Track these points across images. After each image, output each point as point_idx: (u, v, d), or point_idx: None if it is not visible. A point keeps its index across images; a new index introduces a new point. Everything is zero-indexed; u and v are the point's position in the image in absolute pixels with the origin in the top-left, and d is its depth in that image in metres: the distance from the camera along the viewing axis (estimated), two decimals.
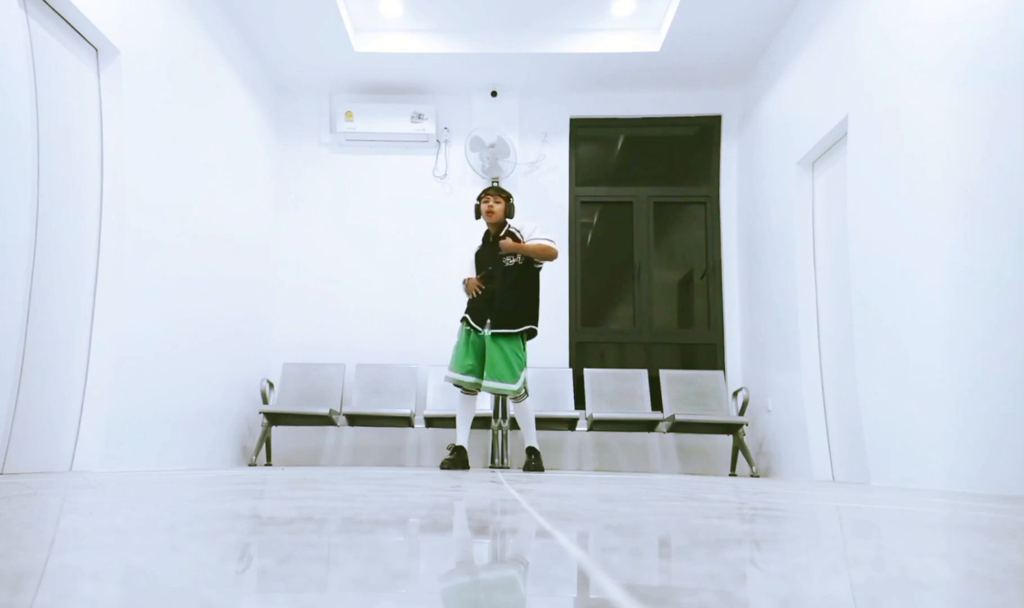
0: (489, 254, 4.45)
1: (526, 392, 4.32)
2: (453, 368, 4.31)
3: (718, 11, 4.91)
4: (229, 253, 4.97)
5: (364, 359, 5.66)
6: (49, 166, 3.11)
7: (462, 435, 4.34)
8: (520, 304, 4.33)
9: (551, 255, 4.35)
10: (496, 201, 4.43)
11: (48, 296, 3.12)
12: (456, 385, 4.32)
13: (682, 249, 6.18)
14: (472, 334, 4.29)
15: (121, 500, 1.67)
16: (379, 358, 5.68)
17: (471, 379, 4.26)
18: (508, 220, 4.46)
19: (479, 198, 4.52)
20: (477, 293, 4.35)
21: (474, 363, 4.28)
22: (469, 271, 4.53)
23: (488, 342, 4.24)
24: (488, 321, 4.27)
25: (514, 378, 4.21)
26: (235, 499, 1.69)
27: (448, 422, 5.09)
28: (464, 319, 4.37)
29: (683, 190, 6.13)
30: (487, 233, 4.52)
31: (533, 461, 4.32)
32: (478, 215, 4.52)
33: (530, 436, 4.39)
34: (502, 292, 4.32)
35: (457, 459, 4.23)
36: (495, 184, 4.59)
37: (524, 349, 4.34)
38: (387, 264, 5.90)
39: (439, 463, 4.37)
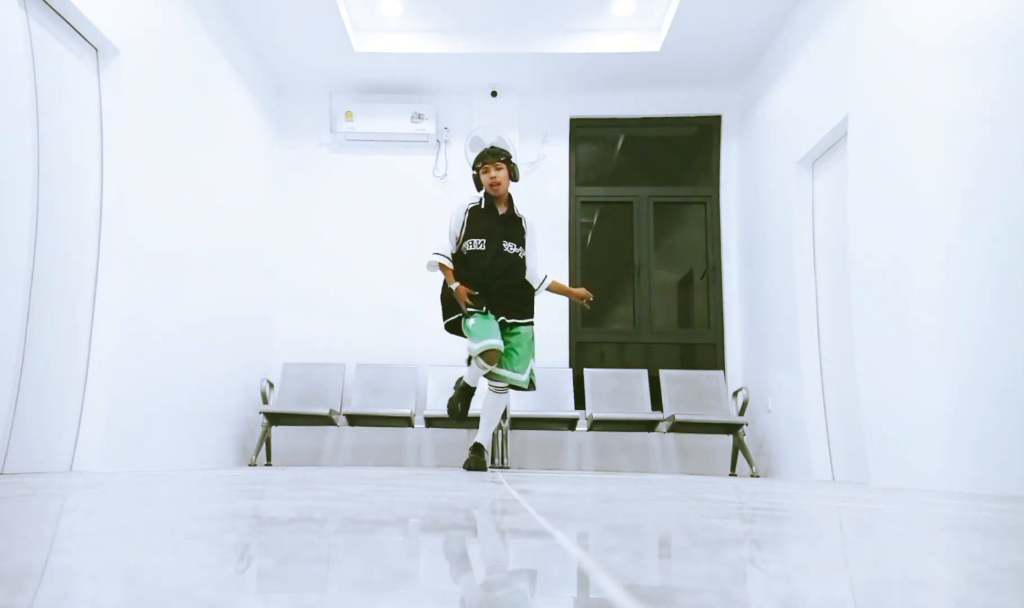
0: (488, 226, 3.91)
1: (533, 385, 3.97)
2: (484, 336, 3.72)
3: (718, 11, 4.91)
4: (229, 253, 4.97)
5: (364, 359, 5.66)
6: (49, 166, 3.11)
7: (486, 434, 3.95)
8: (527, 290, 3.99)
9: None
10: (497, 168, 3.88)
11: (48, 296, 3.12)
12: (485, 360, 3.74)
13: (682, 249, 6.18)
14: (489, 313, 3.85)
15: (121, 500, 1.67)
16: (379, 358, 5.68)
17: (501, 344, 3.78)
18: (512, 190, 4.02)
19: (476, 167, 3.95)
20: (467, 303, 3.82)
21: (499, 333, 3.82)
22: (455, 227, 3.93)
23: (509, 332, 3.87)
24: (498, 311, 3.84)
25: (524, 369, 3.89)
26: (235, 499, 1.69)
27: (450, 422, 5.09)
28: (470, 309, 3.84)
29: (683, 190, 6.13)
30: (487, 196, 3.97)
31: (481, 459, 3.88)
32: (479, 187, 3.98)
33: (489, 431, 4.00)
34: (504, 276, 3.86)
35: (482, 459, 3.86)
36: (491, 147, 4.02)
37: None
38: (387, 264, 5.90)
39: (464, 463, 3.95)
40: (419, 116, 5.88)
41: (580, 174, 6.14)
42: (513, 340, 3.89)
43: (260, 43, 5.37)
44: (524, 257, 3.97)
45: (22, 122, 2.95)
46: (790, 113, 4.90)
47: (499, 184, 3.87)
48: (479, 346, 3.71)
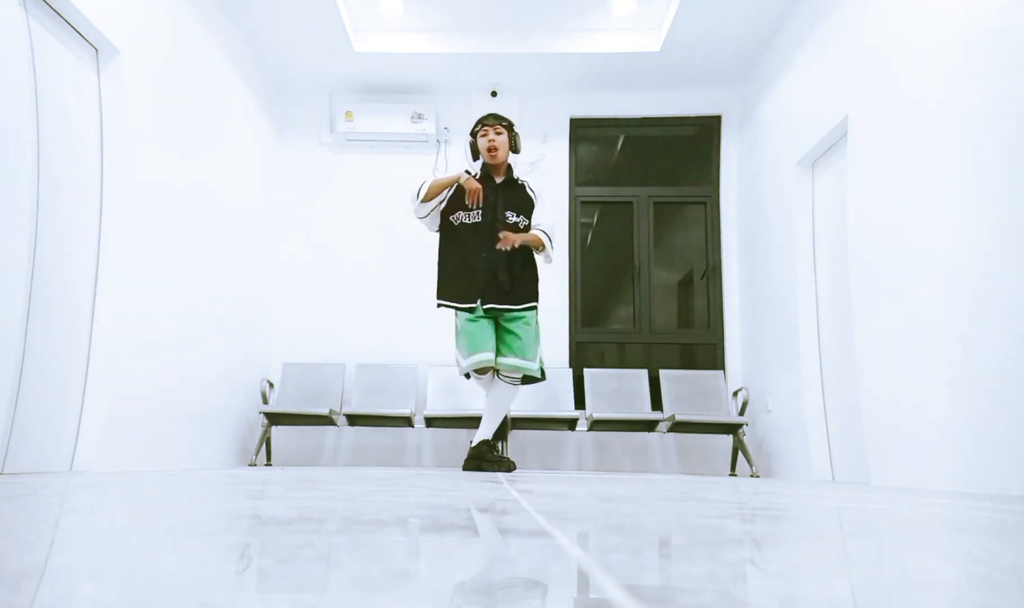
0: (484, 195, 3.51)
1: (544, 375, 3.63)
2: (475, 350, 3.44)
3: (718, 11, 4.91)
4: (229, 253, 4.97)
5: (364, 359, 5.66)
6: (49, 166, 3.11)
7: (490, 429, 3.61)
8: (529, 270, 3.58)
9: (548, 256, 3.62)
10: (498, 131, 3.54)
11: (48, 296, 3.12)
12: (479, 373, 3.52)
13: (682, 249, 6.18)
14: (478, 313, 3.53)
15: (121, 500, 1.67)
16: (379, 358, 5.68)
17: (492, 356, 3.48)
18: (513, 162, 3.66)
19: (474, 132, 3.62)
20: (476, 204, 3.43)
21: (493, 341, 3.53)
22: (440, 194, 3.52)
23: (503, 319, 3.54)
24: (494, 298, 3.48)
25: (534, 356, 3.51)
26: (235, 499, 1.69)
27: (451, 422, 5.09)
28: (462, 307, 3.52)
29: (683, 190, 6.13)
30: (484, 167, 3.63)
31: (495, 456, 3.53)
32: (476, 155, 3.62)
33: (493, 426, 3.63)
34: (506, 259, 3.49)
35: (502, 459, 3.52)
36: (493, 112, 3.68)
37: (538, 323, 3.64)
38: (387, 264, 5.90)
39: (463, 463, 3.61)
40: (419, 116, 5.88)
41: (580, 174, 6.14)
42: (513, 325, 3.53)
43: (260, 43, 5.37)
44: (523, 227, 3.59)
45: (22, 122, 2.95)
46: (790, 113, 4.90)
47: (497, 150, 3.53)
48: (468, 363, 3.44)
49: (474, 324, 3.51)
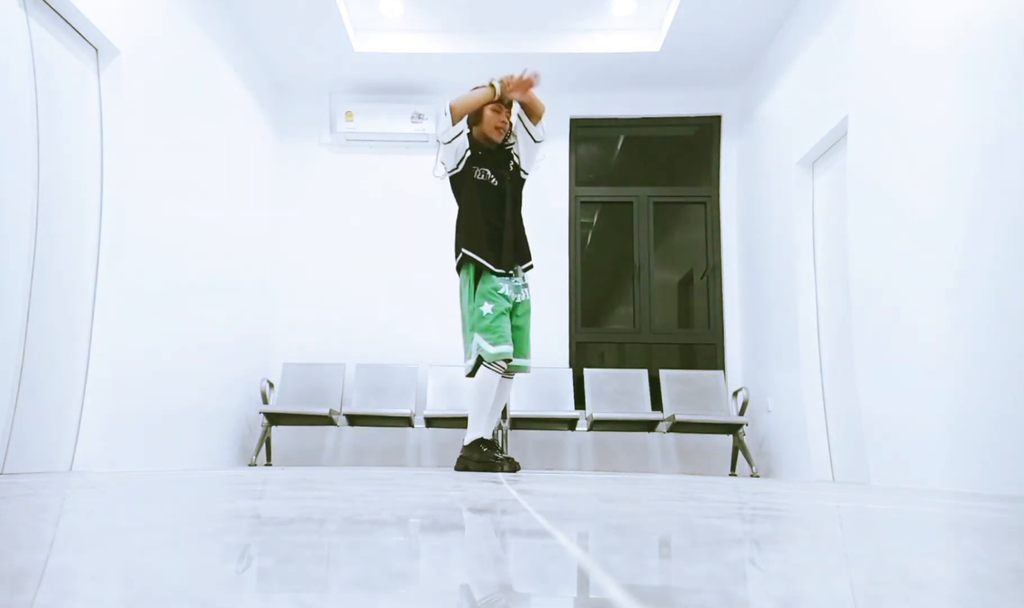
0: (492, 161, 3.56)
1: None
2: (503, 338, 3.35)
3: (718, 11, 4.91)
4: (229, 253, 4.97)
5: (364, 359, 5.66)
6: (49, 166, 3.11)
7: (491, 424, 3.55)
8: (523, 230, 3.60)
9: (541, 112, 3.63)
10: (508, 116, 3.59)
11: (48, 296, 3.12)
12: (504, 363, 3.39)
13: (682, 249, 6.19)
14: (504, 293, 3.47)
15: (121, 500, 1.67)
16: (379, 358, 5.68)
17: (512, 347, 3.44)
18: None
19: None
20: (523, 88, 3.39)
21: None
22: (459, 149, 3.50)
23: (520, 304, 3.54)
24: (519, 258, 3.49)
25: (530, 347, 3.60)
26: (235, 499, 1.69)
27: (451, 422, 5.08)
28: (483, 265, 3.41)
29: (683, 190, 6.13)
30: (475, 142, 3.66)
31: (490, 454, 3.42)
32: (472, 124, 3.69)
33: (494, 422, 3.59)
34: (518, 218, 3.54)
35: (504, 459, 3.43)
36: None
37: None
38: (387, 264, 5.90)
39: (457, 462, 3.55)
40: (419, 116, 5.88)
41: (580, 174, 6.14)
42: (523, 320, 3.58)
43: (260, 43, 5.37)
44: (521, 164, 3.66)
45: (22, 122, 2.95)
46: (790, 113, 4.90)
47: (502, 130, 3.61)
48: (496, 351, 3.33)
49: (503, 315, 3.44)
